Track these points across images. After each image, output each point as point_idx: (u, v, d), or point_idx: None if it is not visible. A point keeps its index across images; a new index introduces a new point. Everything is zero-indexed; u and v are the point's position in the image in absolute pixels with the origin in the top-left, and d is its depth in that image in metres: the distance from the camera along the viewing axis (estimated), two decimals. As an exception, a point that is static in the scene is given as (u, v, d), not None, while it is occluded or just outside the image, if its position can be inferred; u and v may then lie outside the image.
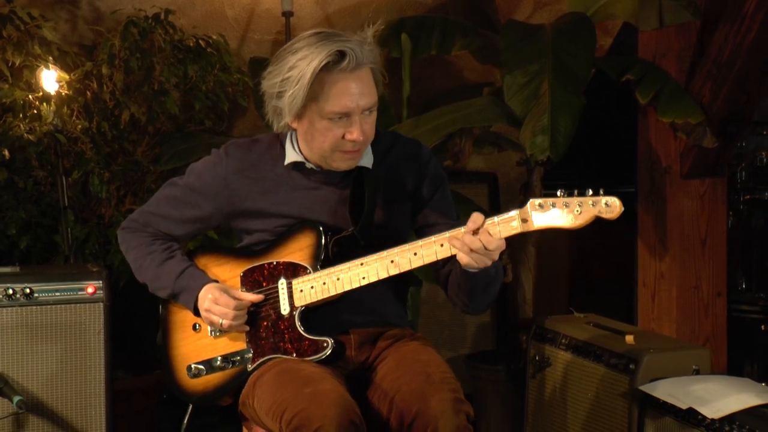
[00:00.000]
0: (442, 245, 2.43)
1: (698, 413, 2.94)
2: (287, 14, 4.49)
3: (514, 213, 2.38)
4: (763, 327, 4.76)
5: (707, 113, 4.05)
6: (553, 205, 2.34)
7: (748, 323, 4.79)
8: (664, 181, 4.42)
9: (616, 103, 4.87)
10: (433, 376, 2.47)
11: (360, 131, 2.48)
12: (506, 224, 2.38)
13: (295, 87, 2.45)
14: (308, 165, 2.62)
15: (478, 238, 2.36)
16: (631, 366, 3.27)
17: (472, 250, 2.37)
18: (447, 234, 2.43)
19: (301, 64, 2.43)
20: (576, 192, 2.33)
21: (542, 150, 3.56)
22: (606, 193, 2.31)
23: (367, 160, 2.63)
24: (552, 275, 5.09)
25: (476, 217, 2.38)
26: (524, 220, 2.37)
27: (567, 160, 3.84)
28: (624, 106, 4.64)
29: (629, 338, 3.42)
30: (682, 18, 4.03)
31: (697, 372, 3.28)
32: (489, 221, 2.39)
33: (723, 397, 2.96)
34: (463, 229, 2.40)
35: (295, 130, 2.61)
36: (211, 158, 2.71)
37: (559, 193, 2.34)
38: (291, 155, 2.63)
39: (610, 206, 2.30)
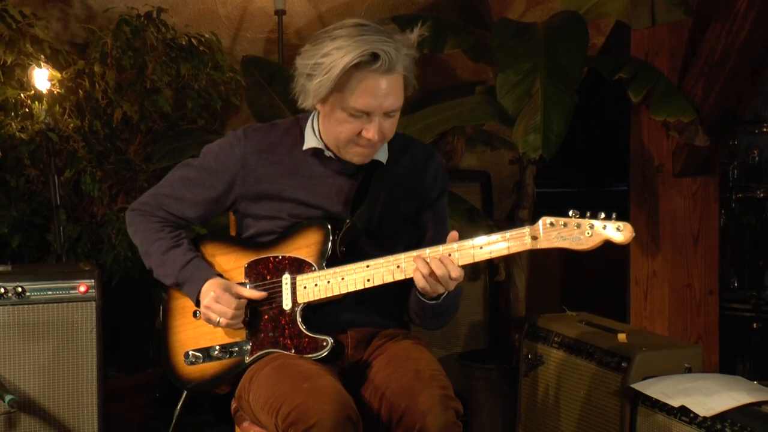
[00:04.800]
0: (449, 255, 2.44)
1: (690, 411, 2.95)
2: (280, 13, 4.49)
3: (525, 229, 2.38)
4: (755, 325, 4.78)
5: (699, 112, 4.06)
6: (565, 225, 2.34)
7: (740, 321, 4.80)
8: (657, 179, 4.43)
9: (608, 101, 4.87)
10: (422, 373, 2.48)
11: (376, 131, 2.48)
12: (516, 240, 2.39)
13: (324, 75, 2.44)
14: (326, 153, 2.62)
15: (442, 264, 2.40)
16: (623, 364, 3.27)
17: (431, 273, 2.41)
18: (455, 245, 2.43)
19: (335, 54, 2.41)
20: (588, 214, 2.33)
21: (535, 148, 3.57)
22: (618, 218, 2.32)
23: (382, 156, 2.65)
24: (544, 274, 5.09)
25: (454, 236, 2.44)
26: (534, 237, 2.37)
27: (559, 158, 3.85)
28: (616, 104, 4.65)
29: (621, 336, 3.43)
30: (674, 16, 4.03)
31: (689, 370, 3.29)
32: (478, 241, 2.42)
33: (715, 395, 2.97)
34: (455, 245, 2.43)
35: (318, 111, 2.60)
36: (228, 139, 2.70)
37: (571, 213, 2.34)
38: (310, 140, 2.63)
39: (621, 231, 2.31)
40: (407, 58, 2.48)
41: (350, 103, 2.46)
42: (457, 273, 2.41)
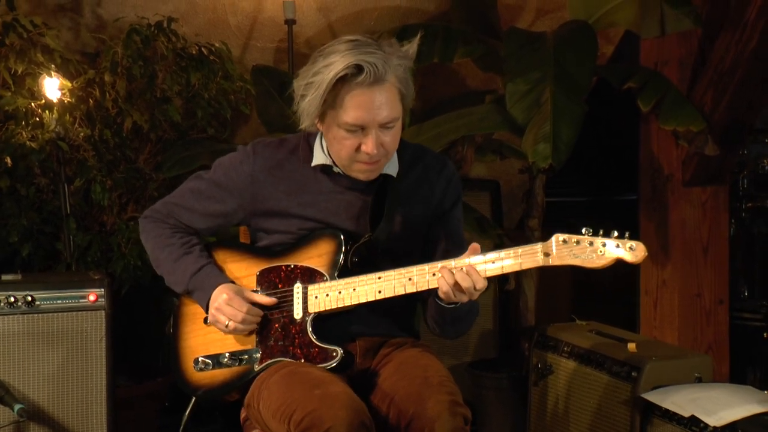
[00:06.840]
0: (462, 269, 2.42)
1: (700, 421, 2.94)
2: (290, 22, 4.49)
3: (537, 246, 2.38)
4: (765, 335, 4.75)
5: (709, 121, 4.05)
6: (577, 243, 2.33)
7: (750, 331, 4.78)
8: (666, 188, 4.42)
9: (617, 110, 4.87)
10: (430, 380, 2.48)
11: (374, 144, 2.47)
12: (528, 256, 2.38)
13: (313, 94, 2.45)
14: (335, 169, 2.62)
15: (468, 276, 2.39)
16: (633, 374, 3.27)
17: (456, 283, 2.39)
18: (467, 261, 2.42)
19: (323, 72, 2.42)
20: (601, 232, 2.32)
21: (544, 158, 3.57)
22: (631, 237, 2.31)
23: (392, 169, 2.64)
24: (554, 283, 5.09)
25: (475, 248, 2.42)
26: (546, 254, 2.36)
27: (569, 167, 3.85)
28: (626, 114, 4.64)
29: (631, 346, 3.42)
30: (683, 26, 4.03)
31: (699, 380, 3.28)
32: (490, 256, 2.40)
33: (725, 404, 2.96)
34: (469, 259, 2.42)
35: (320, 131, 2.61)
36: (238, 155, 2.70)
37: (584, 230, 2.33)
38: (319, 157, 2.63)
39: (635, 250, 2.30)
40: (399, 68, 2.46)
41: (343, 119, 2.45)
42: (482, 284, 2.40)
